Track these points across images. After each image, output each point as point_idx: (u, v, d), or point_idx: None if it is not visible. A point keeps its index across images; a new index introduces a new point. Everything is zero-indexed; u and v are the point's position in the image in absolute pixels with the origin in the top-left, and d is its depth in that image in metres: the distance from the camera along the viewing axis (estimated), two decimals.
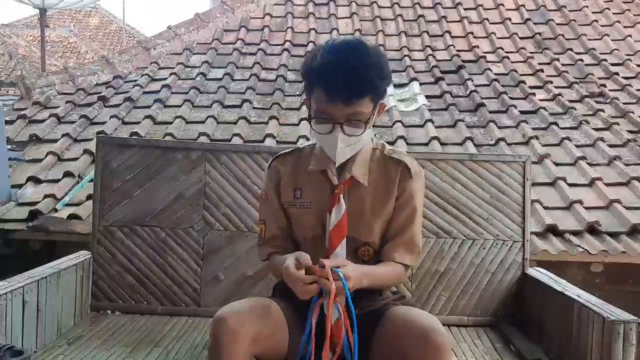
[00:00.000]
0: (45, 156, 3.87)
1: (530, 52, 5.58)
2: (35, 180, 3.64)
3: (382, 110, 1.71)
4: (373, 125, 1.68)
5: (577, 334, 1.88)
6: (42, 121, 4.41)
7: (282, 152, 1.82)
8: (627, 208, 3.36)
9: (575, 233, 3.17)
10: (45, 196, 3.40)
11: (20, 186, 3.60)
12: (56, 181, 3.61)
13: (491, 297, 2.31)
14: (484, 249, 2.33)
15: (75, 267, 2.21)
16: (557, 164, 3.82)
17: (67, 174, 3.63)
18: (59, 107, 4.61)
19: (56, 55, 15.14)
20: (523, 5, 6.32)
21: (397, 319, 1.56)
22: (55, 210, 3.30)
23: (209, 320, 2.28)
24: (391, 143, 4.01)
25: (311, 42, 5.62)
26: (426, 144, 4.04)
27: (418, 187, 1.74)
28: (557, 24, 6.04)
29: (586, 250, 2.99)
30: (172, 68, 5.25)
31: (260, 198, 1.83)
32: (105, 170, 2.38)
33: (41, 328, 1.96)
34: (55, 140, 4.09)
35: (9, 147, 3.76)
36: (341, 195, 1.69)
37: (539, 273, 2.30)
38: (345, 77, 1.54)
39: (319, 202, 1.71)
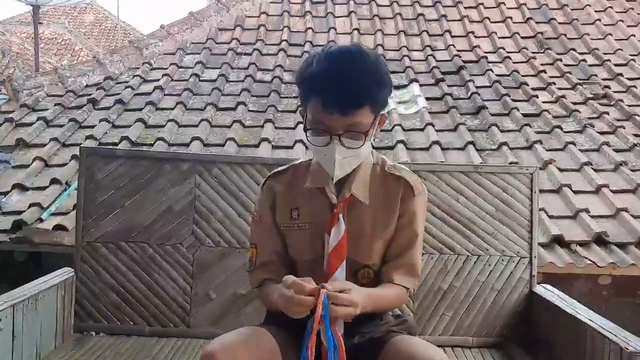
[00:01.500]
0: (32, 162, 3.74)
1: (533, 52, 5.47)
2: (21, 187, 3.51)
3: (383, 122, 1.58)
4: None
5: None
6: (30, 124, 4.27)
7: (277, 170, 1.69)
8: (635, 217, 3.25)
9: (582, 244, 3.05)
10: (31, 205, 3.27)
11: (5, 193, 3.47)
12: (43, 189, 3.48)
13: (497, 317, 2.19)
14: (489, 265, 2.21)
15: (56, 287, 2.08)
16: (561, 170, 3.71)
17: (54, 181, 3.50)
18: (47, 109, 4.48)
19: (50, 52, 14.97)
20: (524, 4, 6.19)
21: (400, 353, 1.43)
22: (41, 220, 3.17)
23: (200, 341, 2.21)
24: (391, 147, 3.89)
25: (308, 41, 5.49)
26: (427, 149, 3.92)
27: (420, 207, 1.62)
28: (559, 23, 5.91)
29: (594, 262, 2.87)
30: (165, 69, 5.11)
31: (252, 220, 1.70)
32: (89, 182, 2.25)
33: (17, 356, 1.82)
34: (43, 145, 3.96)
35: None
36: (340, 215, 1.57)
37: (547, 291, 2.18)
38: (342, 85, 1.43)
39: (317, 222, 1.59)
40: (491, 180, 2.25)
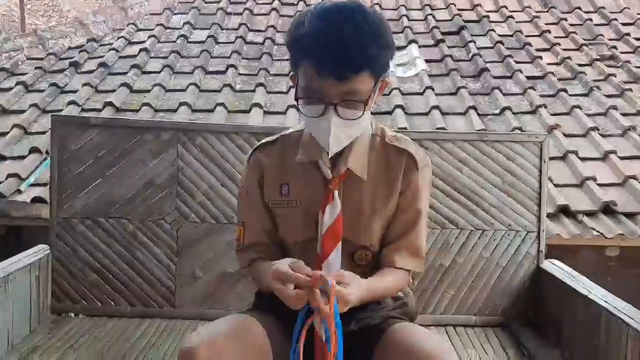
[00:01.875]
0: (10, 129, 3.54)
1: (536, 11, 5.24)
2: None
3: (385, 88, 1.41)
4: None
5: (605, 345, 1.63)
6: (9, 90, 4.05)
7: (265, 141, 1.52)
8: None
9: (589, 214, 2.92)
10: (9, 175, 3.10)
11: None
12: (21, 158, 3.30)
13: (502, 295, 2.06)
14: (494, 240, 2.07)
15: (29, 267, 1.93)
16: (567, 135, 3.54)
17: (34, 150, 3.32)
18: (27, 74, 4.25)
19: (37, 14, 14.50)
20: None
21: (400, 344, 1.30)
22: (19, 191, 3.00)
23: (185, 323, 2.07)
24: (388, 113, 3.71)
25: (301, 0, 5.23)
26: (426, 114, 3.75)
27: (424, 182, 1.46)
28: None
29: (601, 234, 2.74)
30: (151, 30, 4.87)
31: (239, 195, 1.54)
32: (63, 153, 2.08)
33: None
34: (22, 111, 3.75)
35: None
36: (335, 192, 1.41)
37: (555, 267, 2.04)
38: (338, 47, 1.25)
39: (310, 199, 1.44)
40: (497, 149, 2.09)
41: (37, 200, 2.92)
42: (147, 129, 2.10)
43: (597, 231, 2.76)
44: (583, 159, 3.33)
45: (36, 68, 4.33)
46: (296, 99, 1.37)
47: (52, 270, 2.06)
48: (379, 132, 1.48)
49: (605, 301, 1.69)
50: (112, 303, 2.06)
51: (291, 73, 1.41)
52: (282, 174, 1.47)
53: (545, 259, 2.09)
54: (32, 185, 3.08)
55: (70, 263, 2.06)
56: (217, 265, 2.06)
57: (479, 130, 3.35)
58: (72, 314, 2.06)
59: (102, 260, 2.06)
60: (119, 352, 1.79)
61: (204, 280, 2.06)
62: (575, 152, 3.36)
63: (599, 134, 3.57)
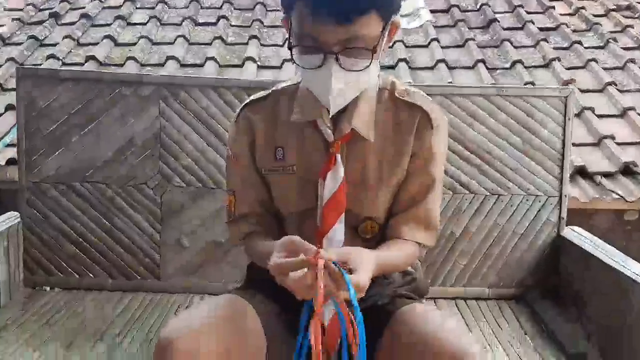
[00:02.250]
0: None
1: None
2: None
3: (395, 32, 1.18)
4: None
5: (636, 321, 1.46)
6: None
7: (255, 97, 1.30)
8: None
9: (607, 175, 2.72)
10: None
11: None
12: None
13: (518, 265, 1.89)
14: (510, 206, 1.88)
15: None
16: (583, 91, 3.32)
17: (10, 107, 3.09)
18: (3, 25, 3.98)
19: None
20: None
21: (413, 331, 1.11)
22: None
23: (172, 296, 1.90)
24: (392, 67, 3.47)
25: None
26: (431, 68, 3.51)
27: (440, 143, 1.25)
28: None
29: (622, 197, 2.56)
30: None
31: (228, 160, 1.33)
32: (31, 110, 1.86)
33: None
34: None
35: None
36: (338, 156, 1.20)
37: (577, 235, 1.86)
38: None
39: (308, 165, 1.23)
40: (516, 104, 1.87)
41: (12, 162, 2.71)
42: (125, 83, 1.87)
43: (617, 194, 2.57)
44: (600, 116, 3.12)
45: (14, 20, 4.07)
46: (290, 48, 1.14)
47: (24, 239, 1.87)
48: (388, 85, 1.26)
49: (636, 274, 1.51)
50: (91, 275, 1.89)
51: (283, 17, 1.18)
52: (275, 135, 1.26)
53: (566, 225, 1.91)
54: (8, 145, 2.86)
55: (42, 232, 1.87)
56: (205, 234, 1.87)
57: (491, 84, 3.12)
58: (47, 288, 1.88)
59: (78, 228, 1.87)
60: (98, 328, 1.63)
61: (192, 250, 1.88)
62: (592, 109, 3.15)
63: (617, 89, 3.35)
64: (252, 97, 1.30)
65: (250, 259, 1.33)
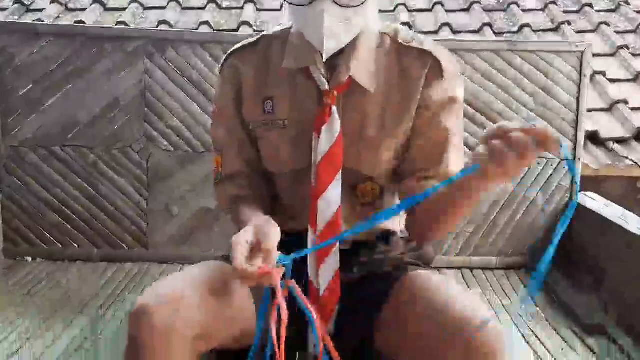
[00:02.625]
0: None
1: None
2: None
3: None
4: None
5: None
6: None
7: (242, 44, 1.17)
8: None
9: (620, 141, 2.59)
10: None
11: None
12: None
13: (528, 232, 1.78)
14: (521, 170, 1.75)
15: None
16: (594, 55, 3.14)
17: None
18: None
19: None
20: None
21: (420, 298, 0.99)
22: None
23: (162, 267, 1.79)
24: None
25: None
26: (435, 32, 3.35)
27: (454, 91, 1.11)
28: None
29: (635, 163, 2.43)
30: None
31: (213, 115, 1.20)
32: (6, 68, 1.73)
33: None
34: None
35: None
36: (334, 108, 1.07)
37: (592, 201, 1.75)
38: None
39: (301, 118, 1.10)
40: (529, 61, 1.74)
41: None
42: (107, 38, 1.74)
43: (631, 160, 2.45)
44: (612, 81, 2.98)
45: None
46: None
47: (2, 208, 1.76)
48: (390, 31, 1.12)
49: None
50: (75, 245, 1.78)
51: None
52: (264, 86, 1.13)
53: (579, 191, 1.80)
54: None
55: (23, 200, 1.76)
56: (194, 201, 1.76)
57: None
58: (29, 258, 1.78)
59: (61, 196, 1.76)
60: (82, 300, 1.53)
61: (181, 217, 1.77)
62: (603, 73, 3.00)
63: (630, 53, 3.20)
64: (239, 44, 1.17)
65: (234, 223, 1.21)
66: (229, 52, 1.17)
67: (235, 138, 1.15)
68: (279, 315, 0.90)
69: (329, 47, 1.02)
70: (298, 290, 0.92)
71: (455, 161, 1.10)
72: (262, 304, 0.96)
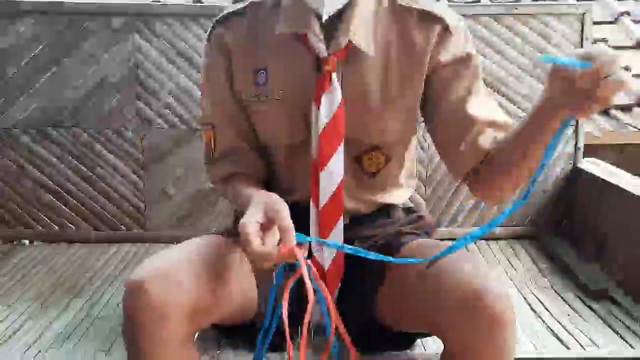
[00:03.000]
0: None
1: None
2: None
3: None
4: None
5: None
6: None
7: (229, 11, 1.12)
8: None
9: (622, 108, 2.56)
10: None
11: None
12: None
13: (531, 202, 1.75)
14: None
15: None
16: (595, 23, 3.09)
17: None
18: None
19: None
20: None
21: (423, 270, 0.96)
22: None
23: (160, 247, 1.79)
24: None
25: None
26: None
27: (467, 45, 1.05)
28: None
29: (638, 130, 2.40)
30: None
31: (202, 88, 1.16)
32: None
33: None
34: None
35: None
36: (334, 75, 1.03)
37: (596, 167, 1.72)
38: None
39: (297, 88, 1.06)
40: (529, 25, 1.70)
41: None
42: (92, 14, 1.69)
43: (634, 127, 2.41)
44: (614, 48, 2.92)
45: None
46: None
47: None
48: None
49: None
50: (72, 227, 1.76)
51: None
52: (255, 55, 1.08)
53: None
54: None
55: (17, 182, 1.74)
56: (192, 180, 1.74)
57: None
58: (27, 242, 1.76)
59: (55, 177, 1.74)
60: (77, 283, 1.50)
61: (178, 198, 1.75)
62: (605, 40, 2.95)
63: (631, 19, 3.14)
64: (225, 12, 1.12)
65: (229, 203, 1.18)
66: (214, 20, 1.12)
67: (227, 112, 1.11)
68: (299, 295, 0.88)
69: (330, 5, 0.98)
70: (314, 270, 0.90)
71: (494, 103, 1.05)
72: (274, 284, 0.93)
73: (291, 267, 0.91)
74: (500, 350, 0.85)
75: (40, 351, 1.16)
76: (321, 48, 1.02)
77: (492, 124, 1.00)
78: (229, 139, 1.11)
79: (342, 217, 1.04)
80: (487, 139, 0.99)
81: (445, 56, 1.03)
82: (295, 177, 1.09)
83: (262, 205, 0.88)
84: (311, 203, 1.05)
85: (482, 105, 1.02)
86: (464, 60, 1.03)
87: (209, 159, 1.14)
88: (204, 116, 1.16)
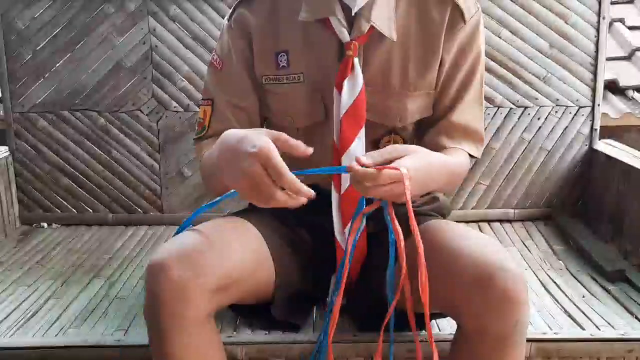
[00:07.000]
0: None
1: None
2: None
3: None
4: None
5: None
6: None
7: None
8: None
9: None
10: None
11: None
12: None
13: (546, 183, 1.74)
14: (538, 119, 1.71)
15: None
16: (612, 3, 3.03)
17: None
18: None
19: None
20: None
21: (434, 247, 0.97)
22: None
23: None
24: None
25: None
26: None
27: (475, 40, 1.08)
28: None
29: None
30: None
31: (210, 66, 1.17)
32: (10, 34, 1.71)
33: None
34: None
35: None
36: (356, 60, 1.04)
37: (613, 148, 1.70)
38: None
39: (318, 72, 1.08)
40: (545, 4, 1.67)
41: None
42: None
43: None
44: (631, 28, 2.87)
45: None
46: None
47: (16, 175, 1.76)
48: None
49: None
50: (90, 210, 1.78)
51: None
52: (277, 38, 1.09)
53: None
54: None
55: (35, 166, 1.76)
56: None
57: None
58: (45, 224, 1.78)
59: (73, 161, 1.75)
60: (95, 265, 1.52)
61: (195, 179, 1.75)
62: (622, 20, 2.90)
63: None
64: None
65: (204, 181, 1.14)
66: (236, 1, 1.13)
67: (230, 91, 1.11)
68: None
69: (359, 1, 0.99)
70: (390, 208, 0.91)
71: (478, 110, 1.09)
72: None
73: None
74: (513, 329, 0.86)
75: (61, 329, 1.19)
76: (344, 33, 1.03)
77: (471, 134, 1.09)
78: (225, 119, 1.11)
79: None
80: (450, 141, 1.08)
81: (455, 44, 1.06)
82: (311, 158, 1.10)
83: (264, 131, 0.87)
84: (332, 189, 1.07)
85: (472, 112, 1.10)
86: (470, 54, 1.07)
87: (199, 134, 1.14)
88: (205, 90, 1.16)
